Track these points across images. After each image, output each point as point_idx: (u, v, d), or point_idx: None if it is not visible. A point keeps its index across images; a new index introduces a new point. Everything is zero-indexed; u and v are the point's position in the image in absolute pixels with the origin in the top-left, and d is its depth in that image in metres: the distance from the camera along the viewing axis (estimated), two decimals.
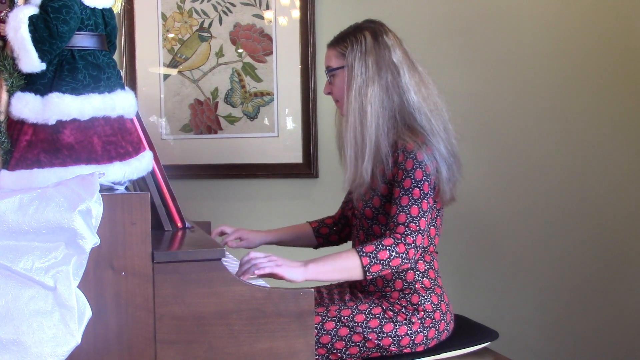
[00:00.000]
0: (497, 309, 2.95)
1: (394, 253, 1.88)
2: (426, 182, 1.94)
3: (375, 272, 1.89)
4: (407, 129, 2.00)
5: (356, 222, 2.14)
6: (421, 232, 1.92)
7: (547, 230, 2.94)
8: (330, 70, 2.08)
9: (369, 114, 1.99)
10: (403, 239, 1.90)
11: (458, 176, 2.06)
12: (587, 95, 2.89)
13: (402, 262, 1.90)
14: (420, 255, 2.01)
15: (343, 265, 1.89)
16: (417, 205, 1.93)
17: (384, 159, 1.99)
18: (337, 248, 2.35)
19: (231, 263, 2.17)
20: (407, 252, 1.90)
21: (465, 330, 2.12)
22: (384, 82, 2.01)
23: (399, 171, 1.96)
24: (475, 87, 2.91)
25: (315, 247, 2.35)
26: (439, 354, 2.01)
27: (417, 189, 1.93)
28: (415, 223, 1.91)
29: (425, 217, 1.93)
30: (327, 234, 2.34)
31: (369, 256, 1.88)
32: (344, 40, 2.06)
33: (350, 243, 2.27)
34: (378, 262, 1.88)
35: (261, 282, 1.83)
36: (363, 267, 1.87)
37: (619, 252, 2.90)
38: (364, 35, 2.03)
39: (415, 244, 1.91)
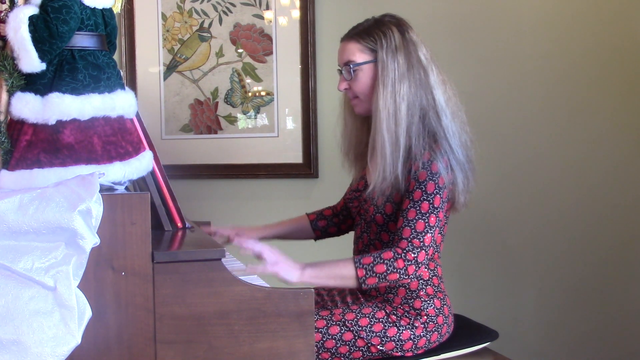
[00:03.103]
0: (497, 309, 2.95)
1: (391, 268, 1.86)
2: (437, 195, 1.89)
3: (372, 285, 1.87)
4: (428, 134, 1.95)
5: (360, 222, 2.11)
6: (425, 248, 1.88)
7: (547, 229, 2.94)
8: (354, 65, 2.00)
9: (403, 112, 1.93)
10: (404, 254, 1.86)
11: (473, 183, 2.01)
12: (584, 93, 2.90)
13: (400, 277, 1.87)
14: (423, 268, 1.96)
15: (339, 273, 1.88)
16: (424, 220, 1.88)
17: (412, 161, 1.92)
18: (337, 239, 2.35)
19: (231, 263, 2.17)
20: (407, 268, 1.86)
21: (465, 330, 2.12)
22: (415, 80, 1.95)
23: (411, 180, 1.91)
24: (472, 86, 2.90)
25: (315, 239, 2.35)
26: (439, 354, 2.00)
27: (426, 202, 1.89)
28: (419, 239, 1.87)
29: (431, 232, 1.88)
30: (325, 226, 2.32)
31: (365, 268, 1.86)
32: (369, 34, 1.99)
33: (349, 238, 2.25)
34: (374, 275, 1.86)
35: (261, 282, 1.84)
36: (358, 278, 1.86)
37: (618, 252, 2.90)
38: (391, 29, 1.97)
39: (417, 260, 1.87)
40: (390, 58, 1.95)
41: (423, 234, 1.87)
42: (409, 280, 1.90)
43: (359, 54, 2.00)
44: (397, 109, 1.93)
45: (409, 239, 1.87)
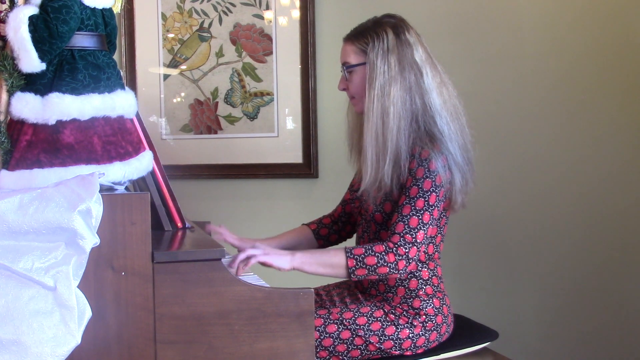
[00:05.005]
0: (497, 309, 2.95)
1: (381, 261, 1.86)
2: (434, 194, 1.89)
3: (361, 276, 1.87)
4: (426, 134, 1.94)
5: (362, 222, 2.11)
6: (417, 244, 1.88)
7: (547, 229, 2.94)
8: (348, 66, 2.01)
9: (392, 115, 1.92)
10: (395, 249, 1.87)
11: (471, 185, 2.01)
12: (584, 94, 2.90)
13: (389, 271, 1.87)
14: (415, 266, 1.97)
15: (330, 261, 1.89)
16: (418, 216, 1.88)
17: (402, 163, 1.93)
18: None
19: None
20: (397, 263, 1.86)
21: (465, 330, 2.12)
22: (407, 83, 1.93)
23: (409, 177, 1.92)
24: (472, 86, 2.90)
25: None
26: (439, 354, 2.00)
27: (421, 200, 1.89)
28: (411, 235, 1.87)
29: (424, 229, 1.88)
30: (326, 234, 2.31)
31: (356, 259, 1.86)
32: (364, 35, 1.98)
33: (351, 243, 2.25)
34: (364, 266, 1.86)
35: (261, 282, 1.84)
36: (348, 268, 1.86)
37: (618, 252, 2.90)
38: (386, 31, 1.96)
39: (408, 255, 1.87)
40: (380, 60, 1.94)
41: (416, 230, 1.88)
42: (399, 275, 1.90)
43: (353, 56, 2.01)
44: (385, 112, 1.93)
45: (402, 234, 1.88)
